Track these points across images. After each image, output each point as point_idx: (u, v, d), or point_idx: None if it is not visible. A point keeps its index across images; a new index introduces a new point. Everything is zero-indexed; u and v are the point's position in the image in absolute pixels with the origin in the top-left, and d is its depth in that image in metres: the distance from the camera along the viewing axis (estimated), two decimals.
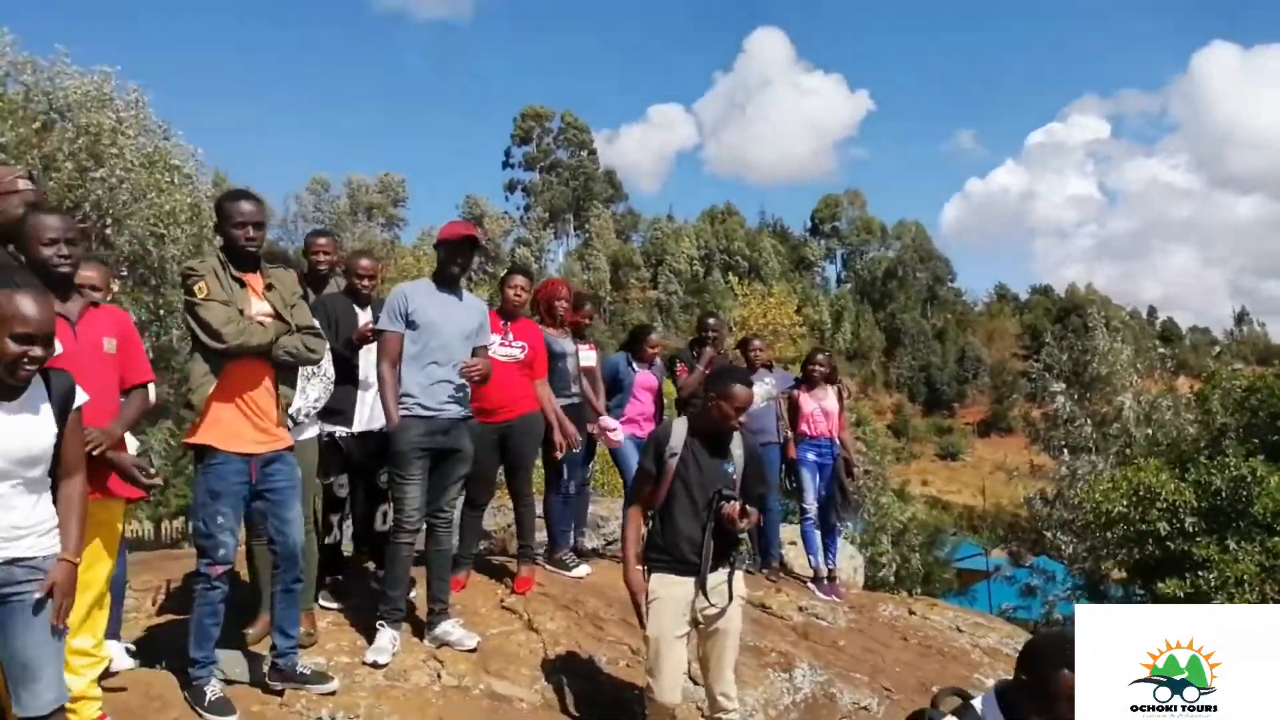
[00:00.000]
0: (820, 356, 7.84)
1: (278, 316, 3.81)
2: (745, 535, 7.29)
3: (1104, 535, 11.77)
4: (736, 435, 4.04)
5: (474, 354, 4.70)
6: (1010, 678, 2.61)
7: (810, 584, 7.54)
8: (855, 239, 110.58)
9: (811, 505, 7.50)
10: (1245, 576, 9.54)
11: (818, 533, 7.56)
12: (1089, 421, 19.16)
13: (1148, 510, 10.63)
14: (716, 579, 3.93)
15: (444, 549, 4.76)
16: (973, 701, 2.61)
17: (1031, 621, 21.35)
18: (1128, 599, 18.61)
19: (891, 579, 22.45)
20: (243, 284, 3.76)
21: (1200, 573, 9.87)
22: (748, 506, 3.90)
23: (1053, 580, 21.42)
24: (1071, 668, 2.32)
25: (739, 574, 4.05)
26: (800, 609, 6.90)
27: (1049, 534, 20.32)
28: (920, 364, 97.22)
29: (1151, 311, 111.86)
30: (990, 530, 40.46)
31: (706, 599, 3.88)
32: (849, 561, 9.69)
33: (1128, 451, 17.85)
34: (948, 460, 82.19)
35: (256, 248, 3.80)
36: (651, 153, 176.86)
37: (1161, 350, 21.67)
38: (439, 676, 4.47)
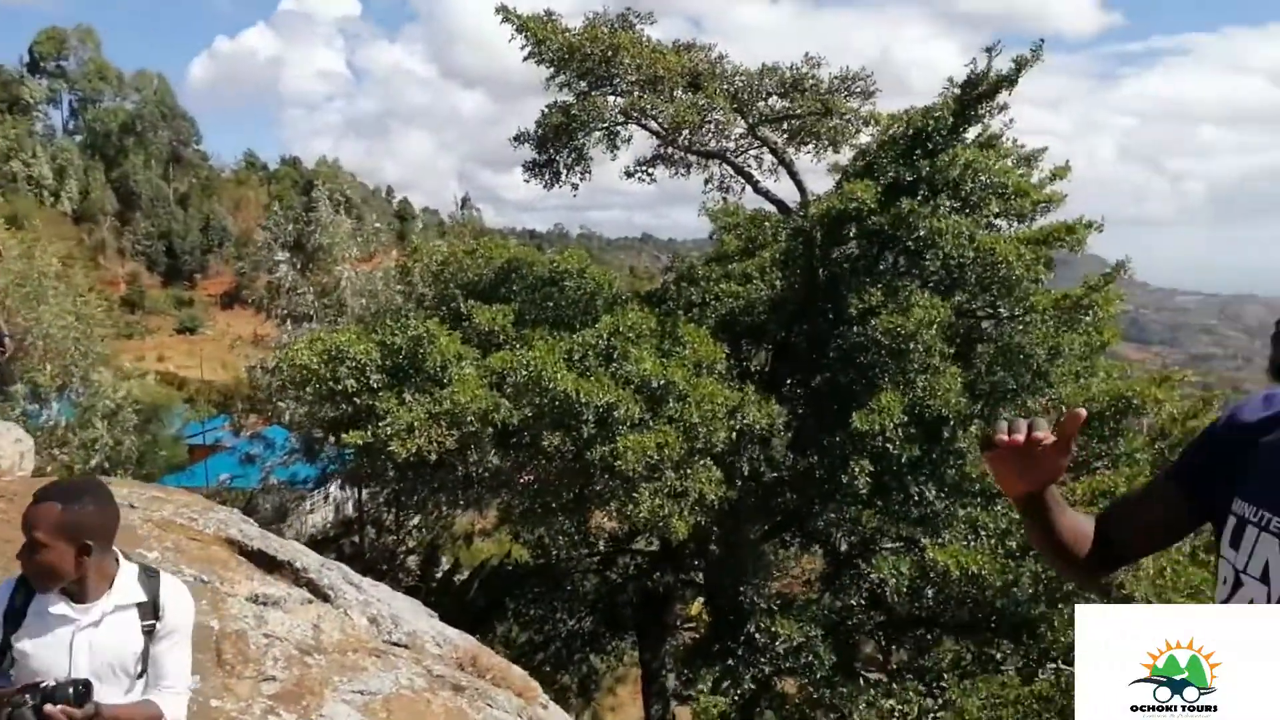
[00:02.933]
0: None
1: None
2: None
3: (303, 394, 12.34)
4: None
5: None
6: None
7: None
8: (87, 85, 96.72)
9: None
10: (415, 422, 10.80)
11: None
12: (310, 290, 19.88)
13: (337, 368, 11.40)
14: None
15: None
16: None
17: (249, 489, 21.85)
18: (339, 458, 20.11)
19: (105, 463, 20.79)
20: None
21: (380, 423, 10.93)
22: None
23: (272, 447, 22.14)
24: (49, 500, 2.45)
25: None
26: None
27: (274, 402, 20.77)
28: (160, 231, 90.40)
29: (390, 191, 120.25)
30: (228, 403, 40.04)
31: None
32: (14, 446, 8.59)
33: (342, 320, 19.00)
34: (188, 334, 78.72)
35: None
36: None
37: (378, 225, 23.34)
38: None
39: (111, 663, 2.55)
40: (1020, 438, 1.59)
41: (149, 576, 2.64)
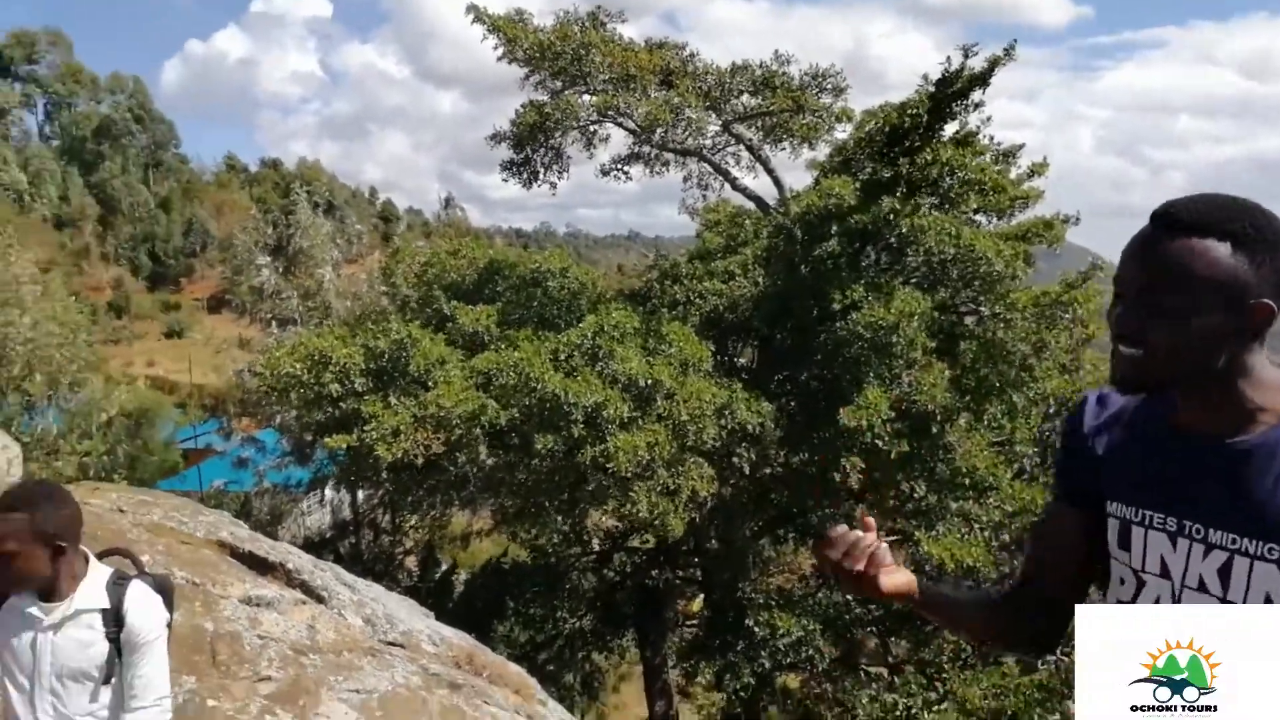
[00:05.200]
0: None
1: None
2: None
3: (288, 399, 12.32)
4: None
5: None
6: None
7: None
8: (60, 88, 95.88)
9: None
10: (401, 426, 10.80)
11: None
12: (294, 294, 19.82)
13: (321, 373, 11.36)
14: None
15: None
16: None
17: (242, 492, 21.85)
18: (333, 457, 20.08)
19: (100, 472, 20.73)
20: None
21: (365, 427, 10.90)
22: None
23: (265, 450, 22.12)
24: (14, 509, 2.41)
25: None
26: None
27: (264, 406, 20.73)
28: (143, 235, 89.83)
29: (373, 192, 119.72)
30: (219, 407, 39.94)
31: None
32: (1, 454, 8.57)
33: (328, 323, 18.94)
34: (175, 338, 78.32)
35: None
36: None
37: (359, 227, 23.27)
38: None
39: (73, 666, 2.54)
40: (840, 553, 1.62)
41: (117, 583, 2.61)
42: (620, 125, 14.14)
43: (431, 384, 11.27)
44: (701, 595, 17.62)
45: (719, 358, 12.92)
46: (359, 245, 22.18)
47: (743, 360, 14.48)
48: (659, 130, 13.54)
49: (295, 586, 7.22)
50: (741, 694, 13.44)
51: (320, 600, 7.14)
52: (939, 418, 11.84)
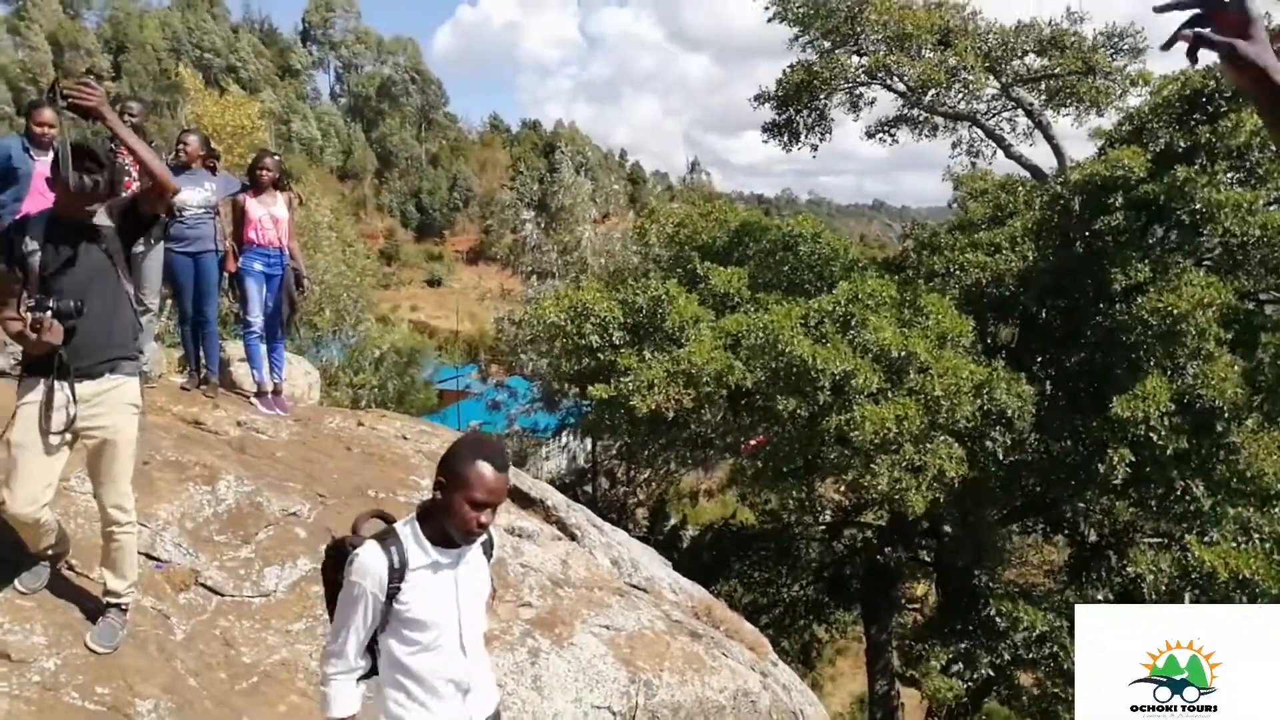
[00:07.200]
0: (269, 160, 7.34)
1: None
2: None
3: (550, 347, 12.92)
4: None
5: None
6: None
7: (254, 399, 7.31)
8: (348, 51, 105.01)
9: (256, 318, 7.18)
10: (655, 380, 11.10)
11: (262, 346, 7.29)
12: (554, 248, 20.76)
13: (583, 325, 11.84)
14: (95, 388, 3.63)
15: None
16: (395, 525, 2.70)
17: (495, 434, 23.28)
18: (576, 409, 21.04)
19: (373, 403, 22.76)
20: None
21: (622, 379, 11.29)
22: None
23: (515, 396, 23.46)
24: (484, 460, 2.51)
25: (131, 381, 3.79)
26: (239, 424, 6.67)
27: (518, 354, 21.95)
28: (413, 189, 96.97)
29: (622, 154, 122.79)
30: (473, 352, 42.74)
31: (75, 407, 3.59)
32: (304, 377, 9.55)
33: (583, 277, 19.71)
34: (435, 286, 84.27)
35: None
36: None
37: (616, 187, 23.95)
38: None
39: (477, 591, 2.75)
40: None
41: None
42: (889, 87, 13.70)
43: (684, 341, 11.46)
44: (928, 579, 17.09)
45: (978, 334, 12.35)
46: (614, 204, 22.85)
47: (1002, 339, 13.76)
48: (931, 92, 13.02)
49: (552, 523, 7.64)
50: (972, 684, 12.96)
51: (573, 538, 7.52)
52: (1226, 415, 10.79)
